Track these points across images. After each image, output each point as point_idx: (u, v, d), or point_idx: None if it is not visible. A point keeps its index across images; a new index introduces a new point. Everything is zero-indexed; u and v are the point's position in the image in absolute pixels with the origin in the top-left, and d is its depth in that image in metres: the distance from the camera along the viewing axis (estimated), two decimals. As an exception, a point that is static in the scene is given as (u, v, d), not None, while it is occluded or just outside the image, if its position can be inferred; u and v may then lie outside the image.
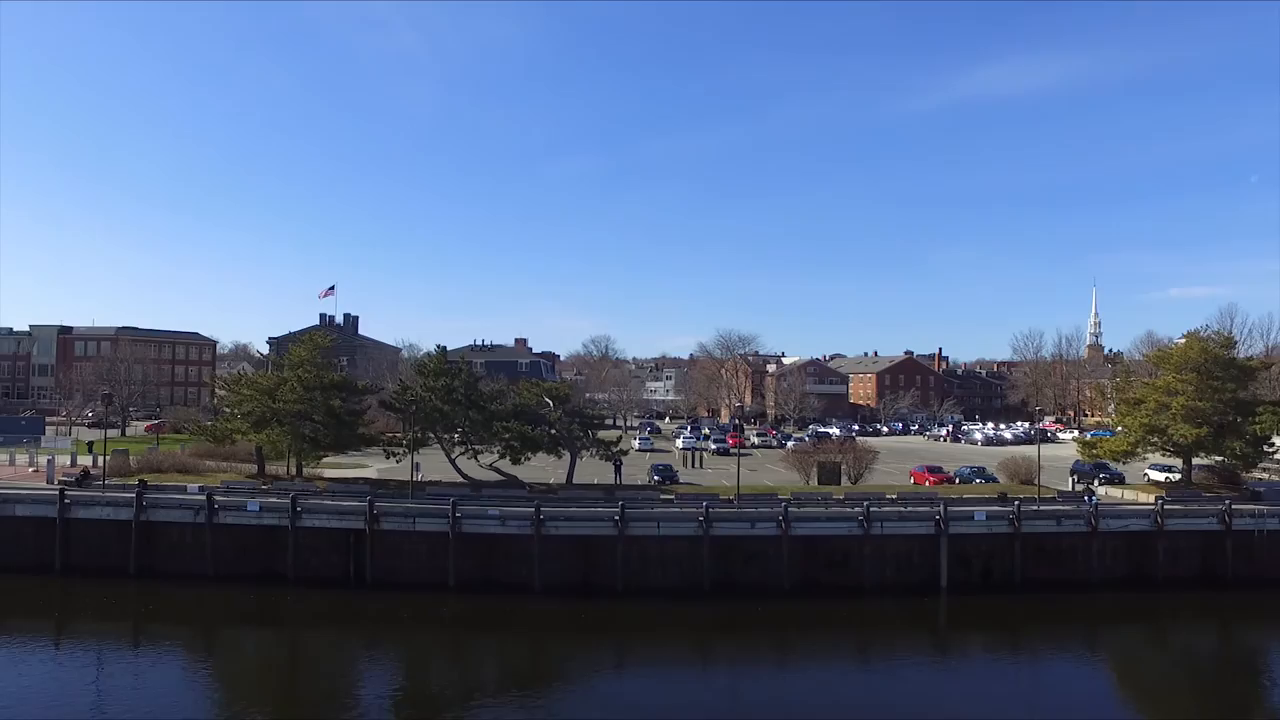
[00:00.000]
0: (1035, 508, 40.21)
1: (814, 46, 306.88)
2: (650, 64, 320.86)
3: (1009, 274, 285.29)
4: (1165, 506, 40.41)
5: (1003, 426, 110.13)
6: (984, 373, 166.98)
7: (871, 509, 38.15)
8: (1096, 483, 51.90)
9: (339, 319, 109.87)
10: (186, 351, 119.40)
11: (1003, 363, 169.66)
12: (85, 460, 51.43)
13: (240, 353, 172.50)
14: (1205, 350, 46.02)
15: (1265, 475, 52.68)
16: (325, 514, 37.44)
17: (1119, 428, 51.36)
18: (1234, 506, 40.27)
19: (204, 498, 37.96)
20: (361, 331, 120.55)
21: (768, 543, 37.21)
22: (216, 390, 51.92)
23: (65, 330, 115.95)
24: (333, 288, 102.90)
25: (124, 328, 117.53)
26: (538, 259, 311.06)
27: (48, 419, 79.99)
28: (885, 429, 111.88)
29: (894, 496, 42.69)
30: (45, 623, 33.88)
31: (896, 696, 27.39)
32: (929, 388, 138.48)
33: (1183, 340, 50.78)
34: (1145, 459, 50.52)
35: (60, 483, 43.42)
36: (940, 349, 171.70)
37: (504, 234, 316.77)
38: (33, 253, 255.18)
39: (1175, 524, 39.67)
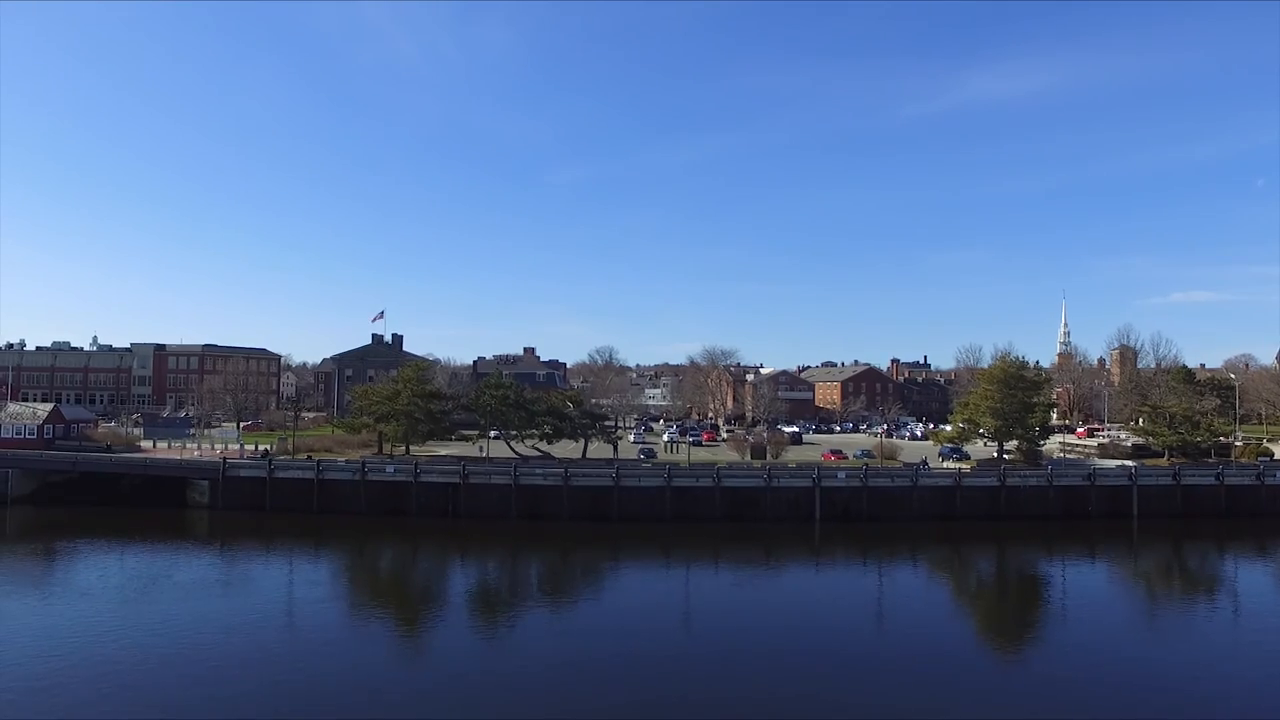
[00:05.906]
0: (879, 471, 63.04)
1: (811, 53, 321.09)
2: (648, 72, 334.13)
3: (1007, 279, 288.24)
4: (964, 471, 63.12)
5: (941, 425, 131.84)
6: (942, 380, 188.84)
7: (772, 471, 60.99)
8: (953, 459, 74.13)
9: (388, 338, 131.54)
10: (258, 365, 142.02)
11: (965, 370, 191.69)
12: (249, 447, 74.32)
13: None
14: (1004, 369, 68.87)
15: (1065, 455, 75.42)
16: (435, 473, 60.46)
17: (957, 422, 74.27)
18: (1007, 470, 62.91)
19: (359, 464, 61.07)
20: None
21: (707, 490, 59.92)
22: (350, 398, 73.93)
23: (160, 348, 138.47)
24: (382, 313, 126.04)
25: (208, 345, 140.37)
26: (541, 268, 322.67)
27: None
28: (838, 428, 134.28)
29: (793, 465, 65.52)
30: (259, 540, 55.21)
31: (786, 583, 46.08)
32: (887, 394, 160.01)
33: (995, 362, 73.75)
34: (976, 442, 72.98)
35: (250, 457, 66.42)
36: (925, 356, 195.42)
37: (505, 242, 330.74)
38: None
39: (970, 481, 62.37)
